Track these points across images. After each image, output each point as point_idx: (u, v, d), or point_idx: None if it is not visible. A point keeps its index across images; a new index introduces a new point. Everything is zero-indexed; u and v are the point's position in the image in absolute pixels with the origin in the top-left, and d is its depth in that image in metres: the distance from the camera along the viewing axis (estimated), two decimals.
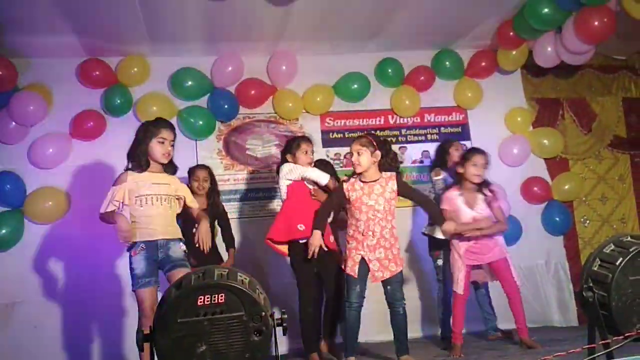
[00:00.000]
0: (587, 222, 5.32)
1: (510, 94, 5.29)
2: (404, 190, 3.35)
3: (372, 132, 4.42)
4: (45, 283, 4.32)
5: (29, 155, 4.44)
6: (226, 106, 4.81)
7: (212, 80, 4.81)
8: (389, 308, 3.29)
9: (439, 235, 3.80)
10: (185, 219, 3.44)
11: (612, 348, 2.32)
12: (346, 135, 5.00)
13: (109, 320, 4.27)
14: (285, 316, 2.08)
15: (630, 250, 2.43)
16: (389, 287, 3.27)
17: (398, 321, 3.26)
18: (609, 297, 2.37)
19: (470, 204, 3.62)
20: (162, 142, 3.11)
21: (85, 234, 4.28)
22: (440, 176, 4.09)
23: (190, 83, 4.74)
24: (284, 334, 2.07)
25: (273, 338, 2.05)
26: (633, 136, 5.52)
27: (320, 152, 4.70)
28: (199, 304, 1.99)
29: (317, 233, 3.28)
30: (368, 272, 3.25)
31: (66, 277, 4.35)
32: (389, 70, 5.08)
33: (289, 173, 3.51)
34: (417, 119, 5.20)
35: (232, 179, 4.84)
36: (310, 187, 3.56)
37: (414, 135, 5.20)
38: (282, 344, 4.34)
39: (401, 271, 3.28)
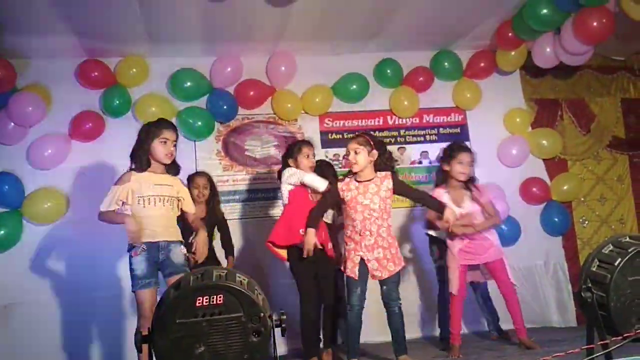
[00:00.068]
0: (586, 222, 5.32)
1: (509, 95, 5.29)
2: (400, 189, 3.35)
3: (371, 132, 4.41)
4: (44, 284, 4.31)
5: (28, 156, 4.43)
6: (225, 107, 4.80)
7: (211, 80, 4.81)
8: (385, 308, 3.29)
9: (442, 236, 3.81)
10: (185, 222, 3.44)
11: (610, 349, 2.32)
12: (345, 136, 4.99)
13: (108, 322, 4.27)
14: (284, 317, 2.08)
15: (629, 250, 2.43)
16: (384, 287, 3.27)
17: (395, 321, 3.26)
18: (608, 298, 2.37)
19: (456, 202, 3.63)
20: (165, 142, 3.12)
21: (84, 234, 4.27)
22: None
23: (189, 84, 4.73)
24: (283, 335, 2.07)
25: (272, 339, 2.05)
26: (632, 137, 5.52)
27: (319, 153, 4.69)
28: (197, 304, 1.99)
29: (311, 231, 3.28)
30: (368, 273, 3.25)
31: (65, 278, 4.35)
32: (388, 71, 5.08)
33: (290, 177, 3.51)
34: (416, 120, 5.20)
35: (230, 179, 4.84)
36: (309, 191, 3.55)
37: (413, 135, 5.20)
38: (281, 345, 4.34)
39: (399, 271, 3.28)
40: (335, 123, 5.10)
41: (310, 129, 5.00)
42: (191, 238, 3.17)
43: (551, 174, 5.21)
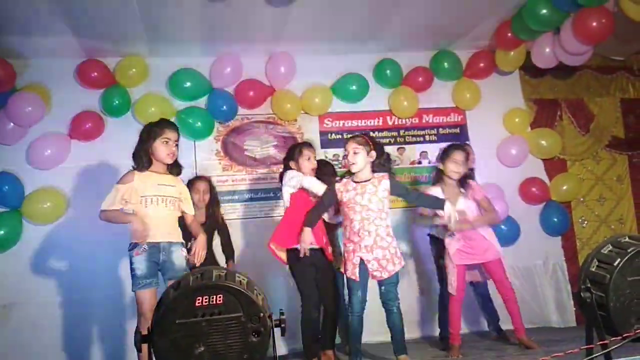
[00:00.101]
0: (585, 222, 5.33)
1: (509, 95, 5.29)
2: (396, 190, 3.35)
3: (370, 132, 4.41)
4: (44, 284, 4.31)
5: (28, 156, 4.43)
6: (225, 107, 4.80)
7: (211, 81, 4.81)
8: (384, 307, 3.30)
9: (441, 235, 3.82)
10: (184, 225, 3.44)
11: (610, 349, 2.32)
12: (345, 136, 4.97)
13: (108, 322, 4.27)
14: (284, 317, 2.08)
15: (628, 251, 2.43)
16: (383, 287, 3.27)
17: (393, 320, 3.27)
18: (607, 298, 2.38)
19: (451, 200, 3.63)
20: (167, 142, 3.13)
21: (83, 234, 4.27)
22: None
23: (188, 84, 4.73)
24: (283, 335, 2.07)
25: (272, 339, 2.04)
26: (631, 137, 5.53)
27: (319, 153, 4.68)
28: (197, 304, 1.99)
29: (307, 230, 3.31)
30: (368, 274, 3.26)
31: (65, 278, 4.34)
32: (388, 71, 5.08)
33: (291, 180, 3.51)
34: (415, 120, 5.20)
35: (230, 179, 4.84)
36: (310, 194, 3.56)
37: (412, 136, 5.20)
38: (281, 345, 4.34)
39: (398, 271, 3.28)
40: (335, 123, 5.10)
41: (309, 129, 5.00)
42: (190, 243, 3.18)
43: (550, 174, 5.21)
